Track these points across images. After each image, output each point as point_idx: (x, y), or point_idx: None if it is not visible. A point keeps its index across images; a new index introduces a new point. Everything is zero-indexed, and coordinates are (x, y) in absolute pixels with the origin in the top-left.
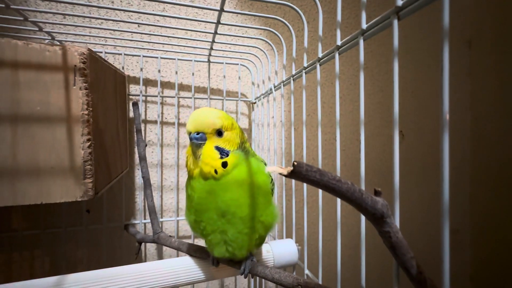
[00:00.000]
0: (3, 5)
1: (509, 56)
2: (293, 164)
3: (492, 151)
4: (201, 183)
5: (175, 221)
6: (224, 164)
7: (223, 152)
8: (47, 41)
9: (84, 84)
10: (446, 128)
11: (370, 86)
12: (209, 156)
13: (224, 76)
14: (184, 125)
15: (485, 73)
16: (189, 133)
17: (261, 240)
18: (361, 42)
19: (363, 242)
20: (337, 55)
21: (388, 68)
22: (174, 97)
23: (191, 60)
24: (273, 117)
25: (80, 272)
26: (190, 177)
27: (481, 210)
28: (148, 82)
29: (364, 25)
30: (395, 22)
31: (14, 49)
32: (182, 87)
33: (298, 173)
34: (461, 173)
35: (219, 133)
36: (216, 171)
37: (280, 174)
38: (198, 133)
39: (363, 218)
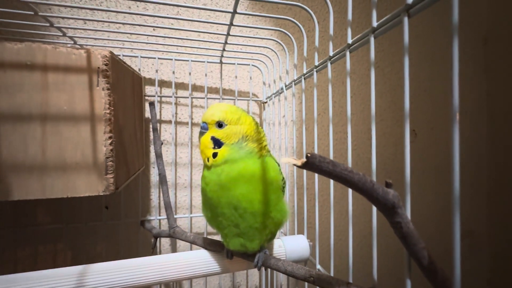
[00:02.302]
0: (32, 12)
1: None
2: (307, 155)
3: (509, 151)
4: (210, 173)
5: (189, 218)
6: (214, 155)
7: (216, 143)
8: (69, 45)
9: (107, 85)
10: (456, 123)
11: (381, 85)
12: (204, 144)
13: (236, 77)
14: (197, 125)
15: (502, 70)
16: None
17: (272, 236)
18: (372, 39)
19: (374, 235)
20: (348, 53)
21: (400, 67)
22: (187, 97)
23: (204, 62)
24: (283, 116)
25: (103, 262)
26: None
27: (499, 212)
28: (163, 84)
29: (375, 23)
30: (405, 20)
31: (44, 53)
32: (196, 88)
33: (311, 164)
34: (477, 173)
35: (219, 125)
36: (208, 159)
37: (294, 165)
38: (203, 123)
39: (374, 211)
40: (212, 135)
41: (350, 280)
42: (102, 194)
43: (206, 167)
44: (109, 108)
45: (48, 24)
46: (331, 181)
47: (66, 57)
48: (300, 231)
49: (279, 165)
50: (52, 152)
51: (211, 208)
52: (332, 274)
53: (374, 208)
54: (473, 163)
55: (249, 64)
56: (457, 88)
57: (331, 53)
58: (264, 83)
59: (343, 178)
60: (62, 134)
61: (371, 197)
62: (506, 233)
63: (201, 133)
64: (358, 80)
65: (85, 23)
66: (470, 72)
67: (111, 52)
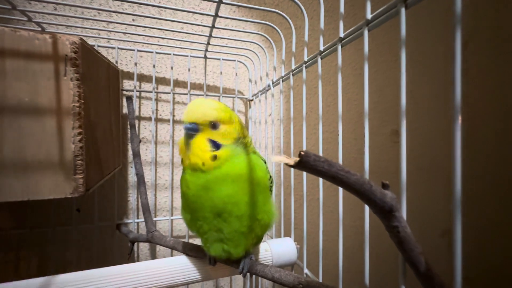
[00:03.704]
0: None
1: (506, 57)
2: (300, 153)
3: (486, 153)
4: (195, 177)
5: (169, 220)
6: (214, 157)
7: (214, 145)
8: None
9: (76, 75)
10: (458, 123)
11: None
12: (199, 147)
13: (221, 73)
14: (179, 122)
15: (481, 74)
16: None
17: (258, 240)
18: (366, 32)
19: (367, 238)
20: (339, 48)
21: (385, 67)
22: (169, 93)
23: (187, 56)
24: (270, 114)
25: (70, 273)
26: (184, 169)
27: (473, 210)
28: (142, 78)
29: (369, 15)
30: (403, 11)
31: (0, 36)
32: (178, 83)
33: (305, 163)
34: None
35: (213, 125)
36: (203, 164)
37: (286, 164)
38: (191, 124)
39: (366, 214)
40: (208, 137)
41: (341, 286)
42: (70, 196)
43: (193, 170)
44: (78, 101)
45: (9, 7)
46: (320, 181)
47: (27, 42)
48: (287, 234)
49: (265, 163)
50: (10, 149)
51: (191, 212)
52: (320, 279)
53: (367, 209)
54: (447, 164)
55: (234, 60)
56: (459, 86)
57: (321, 48)
58: (250, 80)
59: (339, 179)
60: (23, 129)
61: (368, 200)
62: (481, 231)
63: (190, 136)
64: (343, 79)
65: (55, 8)
66: (449, 76)
67: (81, 39)
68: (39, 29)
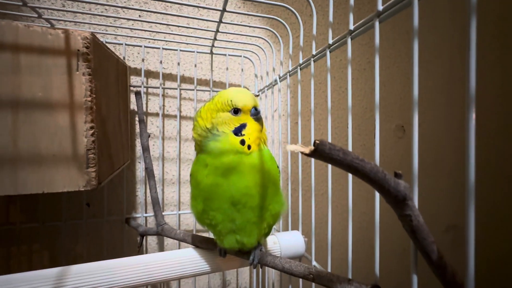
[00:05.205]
0: None
1: (511, 53)
2: (315, 142)
3: (491, 150)
4: (221, 161)
5: (177, 215)
6: (249, 146)
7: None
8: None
9: (88, 69)
10: (472, 117)
11: (371, 82)
12: (257, 131)
13: (227, 68)
14: (186, 117)
15: (486, 71)
16: (244, 108)
17: (269, 229)
18: (377, 24)
19: (377, 230)
20: (349, 40)
21: (389, 62)
22: (176, 89)
23: (194, 52)
24: (275, 110)
25: (83, 263)
26: (203, 157)
27: (481, 206)
28: (149, 74)
29: (380, 7)
30: (416, 1)
31: (15, 32)
32: (184, 79)
33: (321, 151)
34: (461, 170)
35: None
36: (249, 147)
37: (302, 152)
38: (256, 108)
39: (377, 204)
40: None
41: (350, 275)
42: (83, 189)
43: (236, 153)
44: (90, 96)
45: (20, 3)
46: (329, 174)
47: (41, 37)
48: (295, 227)
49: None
50: (25, 143)
51: (204, 202)
52: (329, 271)
53: (377, 201)
54: (456, 161)
55: (240, 56)
56: (474, 78)
57: (330, 41)
58: (256, 76)
59: (354, 167)
60: (37, 123)
61: (382, 188)
62: (490, 228)
63: (259, 119)
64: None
65: (63, 5)
66: (453, 74)
67: (92, 34)
68: (49, 25)
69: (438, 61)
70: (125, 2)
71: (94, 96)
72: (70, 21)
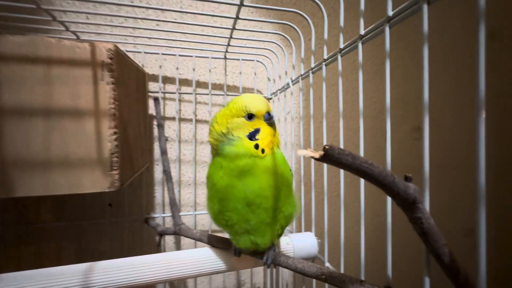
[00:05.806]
0: (34, 6)
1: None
2: (325, 147)
3: (509, 150)
4: (235, 164)
5: (193, 216)
6: (256, 146)
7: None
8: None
9: (111, 79)
10: (481, 118)
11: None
12: (270, 135)
13: (240, 73)
14: (201, 121)
15: (510, 66)
16: (258, 114)
17: (282, 230)
18: (387, 29)
19: (389, 231)
20: (360, 45)
21: (404, 63)
22: (191, 93)
23: (208, 57)
24: (288, 112)
25: (108, 260)
26: (218, 160)
27: (499, 210)
28: (166, 80)
29: (390, 12)
30: (425, 7)
31: (47, 46)
32: (199, 84)
33: (330, 156)
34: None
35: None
36: (262, 151)
37: (312, 157)
38: (269, 113)
39: (389, 206)
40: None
41: (363, 276)
42: (107, 190)
43: (250, 156)
44: (113, 103)
45: (50, 18)
46: (341, 176)
47: (70, 50)
48: (307, 228)
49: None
50: (55, 148)
51: (220, 202)
52: (342, 272)
53: (389, 203)
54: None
55: (253, 60)
56: (483, 82)
57: (341, 46)
58: (269, 79)
59: (363, 171)
60: (66, 129)
61: (391, 192)
62: (506, 231)
63: (272, 123)
64: (363, 77)
65: (87, 17)
66: (474, 69)
67: (115, 46)
68: (75, 37)
69: (459, 59)
70: (143, 12)
71: (117, 103)
72: (93, 33)
